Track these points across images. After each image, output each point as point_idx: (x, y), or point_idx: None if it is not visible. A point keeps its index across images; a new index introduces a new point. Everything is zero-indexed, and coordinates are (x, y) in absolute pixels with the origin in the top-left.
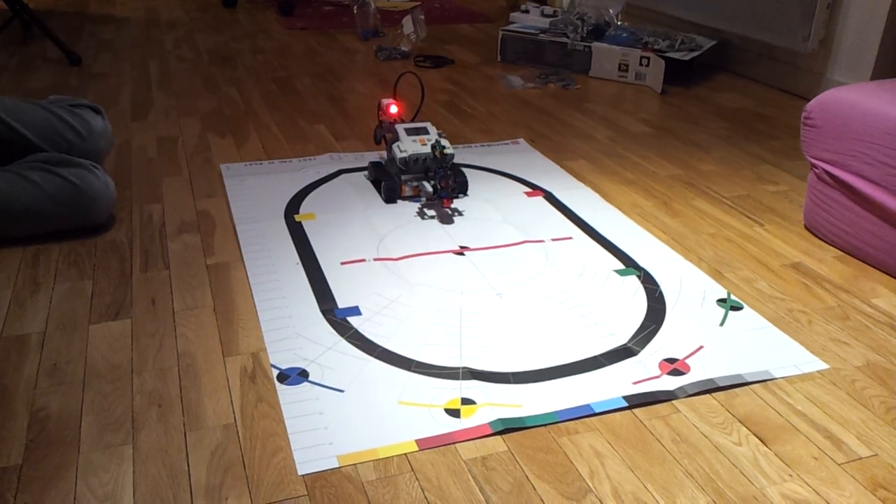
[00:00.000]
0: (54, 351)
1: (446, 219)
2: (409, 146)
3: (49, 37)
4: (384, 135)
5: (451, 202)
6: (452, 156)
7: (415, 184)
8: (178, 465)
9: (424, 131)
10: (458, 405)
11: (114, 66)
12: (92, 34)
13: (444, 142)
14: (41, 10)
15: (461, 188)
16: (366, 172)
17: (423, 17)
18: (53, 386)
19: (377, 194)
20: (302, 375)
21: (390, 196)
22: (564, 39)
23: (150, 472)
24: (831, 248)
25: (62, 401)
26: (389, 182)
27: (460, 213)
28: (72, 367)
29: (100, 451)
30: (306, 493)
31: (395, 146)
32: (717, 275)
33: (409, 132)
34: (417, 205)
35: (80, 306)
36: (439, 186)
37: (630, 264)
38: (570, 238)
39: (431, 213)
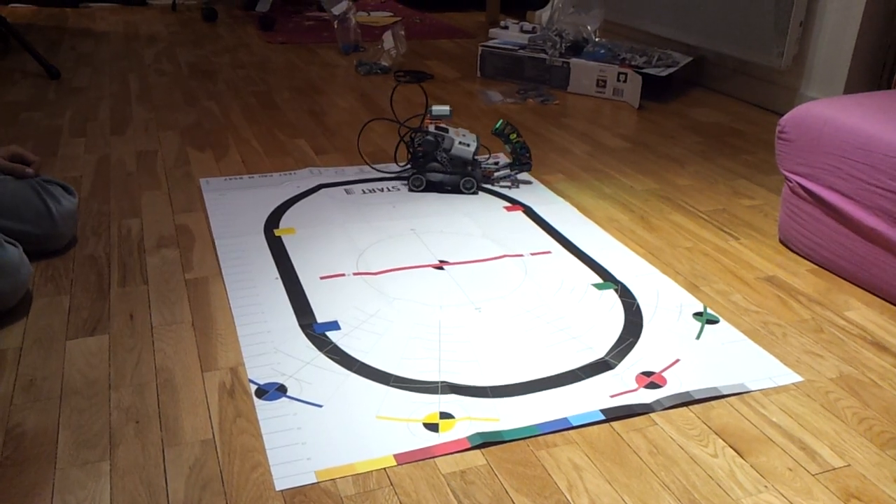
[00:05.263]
0: (31, 367)
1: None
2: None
3: (28, 50)
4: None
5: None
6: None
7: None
8: (156, 481)
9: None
10: (436, 419)
11: (93, 79)
12: (71, 48)
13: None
14: (20, 24)
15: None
16: (408, 175)
17: (403, 32)
18: (29, 402)
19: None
20: (280, 390)
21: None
22: (543, 55)
23: (127, 489)
24: (805, 261)
25: (38, 417)
26: (468, 180)
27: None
28: (48, 382)
29: (77, 467)
30: None
31: (460, 145)
32: (693, 288)
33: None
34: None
35: (57, 321)
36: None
37: (608, 278)
38: (549, 252)
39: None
